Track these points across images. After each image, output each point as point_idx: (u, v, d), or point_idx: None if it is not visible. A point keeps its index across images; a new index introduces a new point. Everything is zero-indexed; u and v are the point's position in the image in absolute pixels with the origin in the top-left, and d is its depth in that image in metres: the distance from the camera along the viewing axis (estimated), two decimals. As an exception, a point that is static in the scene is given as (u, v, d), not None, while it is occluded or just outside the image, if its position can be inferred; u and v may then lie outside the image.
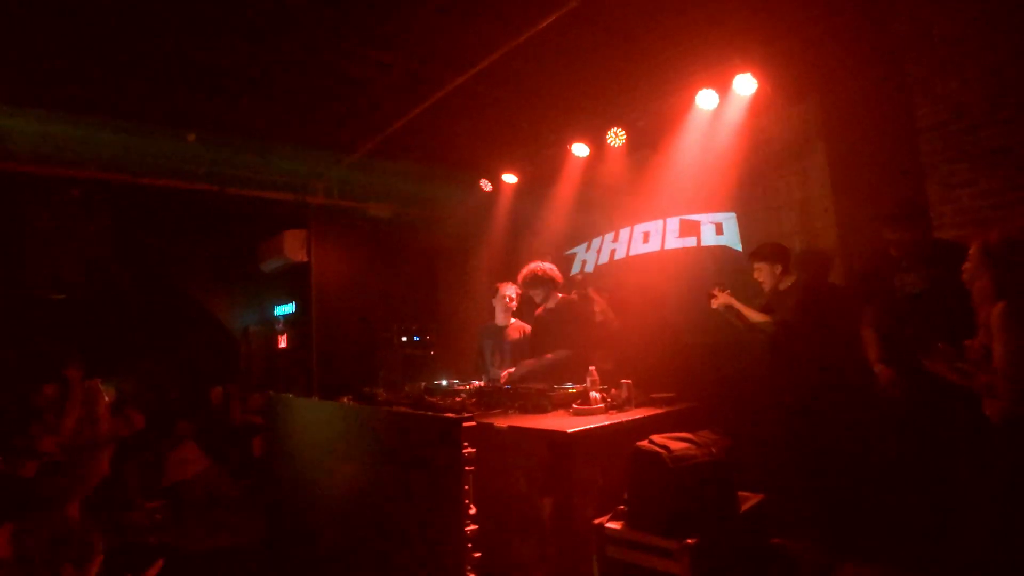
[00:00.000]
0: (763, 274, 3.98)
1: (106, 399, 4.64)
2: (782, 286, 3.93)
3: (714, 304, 4.07)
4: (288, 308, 8.46)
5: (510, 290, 4.74)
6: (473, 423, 2.43)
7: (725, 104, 4.45)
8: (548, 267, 4.52)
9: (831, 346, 3.67)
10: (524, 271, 4.53)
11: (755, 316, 3.92)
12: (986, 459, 2.59)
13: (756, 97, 4.34)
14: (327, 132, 5.67)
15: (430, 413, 2.65)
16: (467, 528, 2.32)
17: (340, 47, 4.41)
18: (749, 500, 2.94)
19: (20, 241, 6.36)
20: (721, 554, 2.59)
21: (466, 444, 2.35)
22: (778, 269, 3.93)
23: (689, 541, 2.43)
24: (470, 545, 2.32)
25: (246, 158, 6.04)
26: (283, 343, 8.54)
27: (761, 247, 4.03)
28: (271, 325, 8.85)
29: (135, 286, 7.48)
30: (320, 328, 7.61)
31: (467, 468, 2.34)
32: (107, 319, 7.20)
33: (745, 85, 4.25)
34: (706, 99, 4.47)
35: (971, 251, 2.60)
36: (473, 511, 2.35)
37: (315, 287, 7.63)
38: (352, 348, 7.59)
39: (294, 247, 7.59)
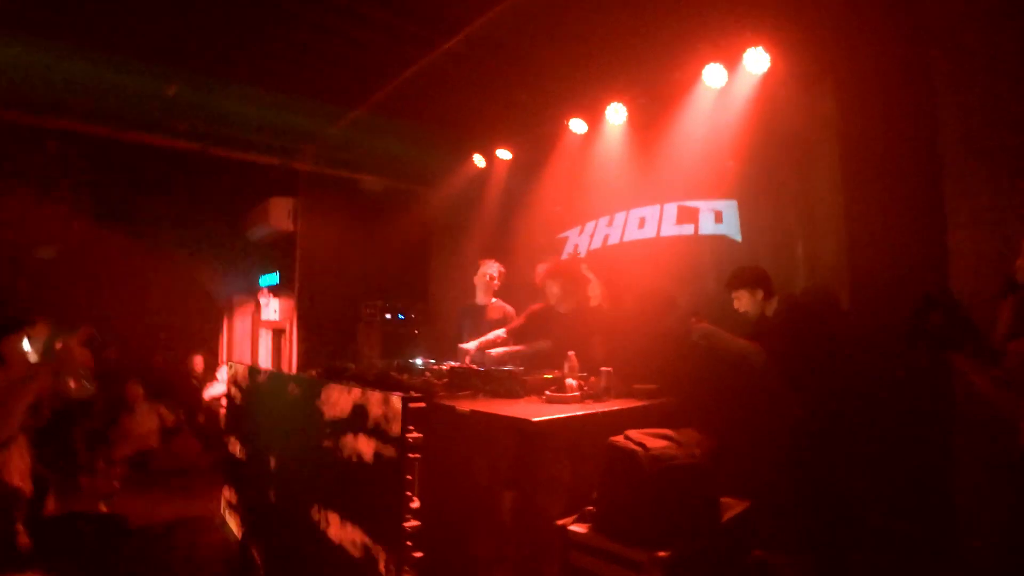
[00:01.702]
0: (743, 302, 3.47)
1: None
2: (768, 311, 3.47)
3: (694, 336, 3.54)
4: (272, 279, 8.13)
5: (492, 268, 4.42)
6: (422, 404, 2.09)
7: (733, 82, 4.09)
8: (561, 265, 4.18)
9: (826, 372, 3.28)
10: (558, 265, 4.16)
11: (742, 345, 3.46)
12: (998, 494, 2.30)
13: (767, 77, 3.97)
14: (317, 90, 5.28)
15: (378, 391, 2.31)
16: (406, 524, 1.99)
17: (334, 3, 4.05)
18: (732, 508, 2.62)
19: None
20: (696, 567, 2.27)
21: (411, 428, 2.01)
22: (759, 295, 3.43)
23: (661, 554, 2.11)
24: (409, 543, 1.99)
25: (231, 114, 5.64)
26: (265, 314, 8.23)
27: (738, 272, 3.53)
28: (255, 295, 8.53)
29: (115, 247, 7.13)
30: (303, 300, 7.29)
31: (410, 455, 2.00)
32: (82, 279, 6.87)
33: (756, 61, 3.89)
34: (713, 75, 4.10)
35: None
36: (416, 504, 2.01)
37: (300, 258, 7.30)
38: (335, 322, 7.27)
39: (280, 215, 7.26)
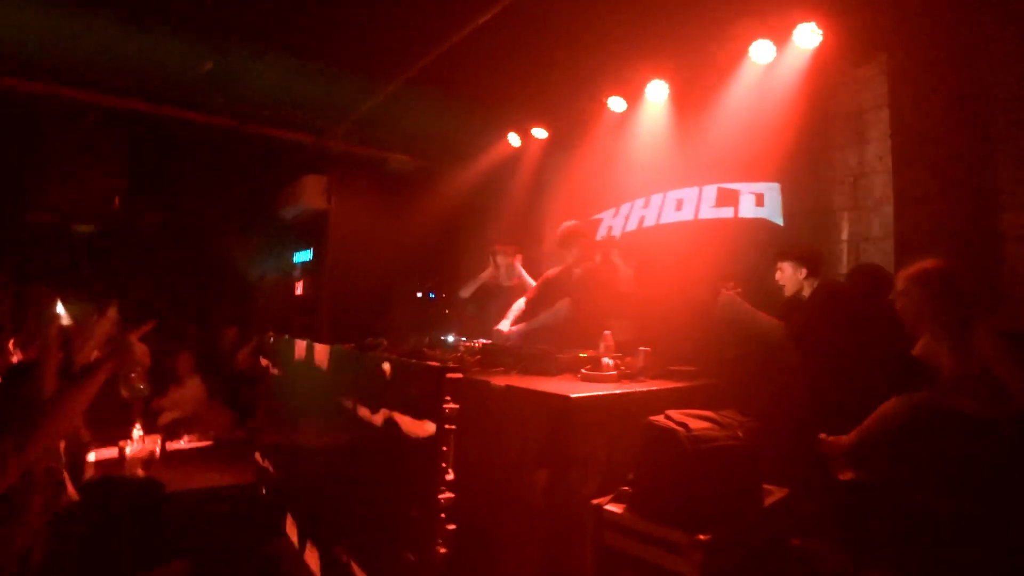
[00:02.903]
0: (785, 275, 3.36)
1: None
2: (805, 292, 3.35)
3: (720, 300, 3.50)
4: (306, 255, 8.16)
5: (509, 258, 4.57)
6: (459, 375, 2.02)
7: (781, 59, 3.92)
8: (583, 226, 4.17)
9: (860, 359, 3.10)
10: (561, 229, 4.12)
11: (763, 320, 3.37)
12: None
13: (817, 53, 3.79)
14: (351, 65, 5.20)
15: (414, 361, 2.25)
16: (441, 496, 1.92)
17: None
18: (772, 494, 2.50)
19: (36, 164, 6.11)
20: (736, 553, 2.17)
21: (448, 399, 1.94)
22: (802, 273, 3.30)
23: (702, 537, 2.02)
24: (443, 515, 1.93)
25: (266, 90, 5.60)
26: (299, 290, 8.27)
27: (791, 247, 3.44)
28: (288, 272, 8.57)
29: (150, 221, 7.21)
30: (335, 277, 7.30)
31: (447, 427, 1.93)
32: (119, 252, 6.96)
33: (807, 37, 3.71)
34: (761, 51, 3.93)
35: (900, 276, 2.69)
36: (451, 476, 1.94)
37: (332, 235, 7.30)
38: (366, 300, 7.25)
39: (314, 193, 7.24)
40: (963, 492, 2.62)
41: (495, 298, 4.60)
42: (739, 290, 3.49)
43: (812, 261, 3.33)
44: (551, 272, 4.20)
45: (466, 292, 4.88)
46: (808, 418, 3.17)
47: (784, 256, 3.39)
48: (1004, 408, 2.36)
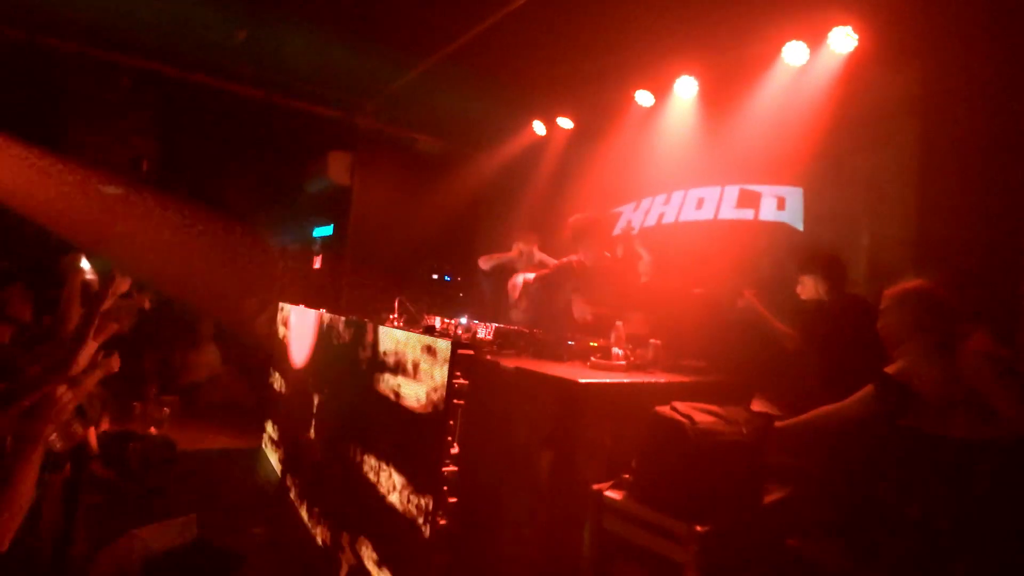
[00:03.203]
0: (807, 288, 3.29)
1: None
2: (825, 299, 3.28)
3: (740, 303, 3.50)
4: (326, 230, 8.21)
5: (531, 246, 4.62)
6: (470, 351, 2.04)
7: (814, 61, 3.87)
8: (595, 219, 4.14)
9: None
10: (573, 222, 4.10)
11: (778, 327, 3.36)
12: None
13: (851, 57, 3.74)
14: (383, 43, 5.20)
15: (426, 334, 2.28)
16: (445, 469, 1.96)
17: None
18: (773, 493, 2.52)
19: (67, 122, 6.19)
20: (732, 546, 2.19)
21: (458, 374, 1.97)
22: (823, 287, 3.24)
23: (699, 528, 2.04)
24: (446, 488, 1.96)
25: (296, 62, 5.63)
26: (317, 264, 8.34)
27: (813, 258, 3.34)
28: (308, 245, 8.64)
29: (177, 189, 7.28)
30: (355, 254, 7.35)
31: (455, 401, 1.96)
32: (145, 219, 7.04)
33: (842, 41, 3.66)
34: (794, 53, 3.89)
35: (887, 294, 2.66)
36: (455, 451, 1.98)
37: (354, 212, 7.34)
38: (383, 277, 7.31)
39: (338, 169, 7.29)
40: (961, 509, 2.62)
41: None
42: (757, 296, 3.47)
43: (834, 273, 3.26)
44: (571, 260, 4.18)
45: (486, 264, 4.93)
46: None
47: (805, 270, 3.31)
48: (995, 432, 2.30)
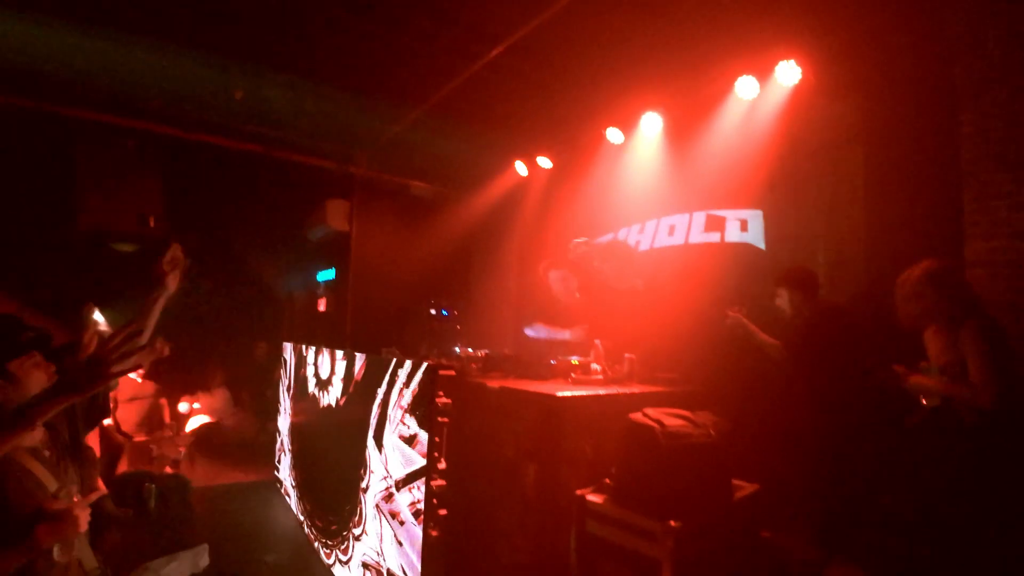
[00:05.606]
0: (783, 300, 3.42)
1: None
2: (803, 313, 3.41)
3: (727, 322, 3.60)
4: (329, 274, 8.36)
5: (563, 269, 4.44)
6: (451, 372, 2.14)
7: (764, 94, 4.06)
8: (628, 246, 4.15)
9: (841, 379, 3.16)
10: (604, 243, 4.14)
11: (764, 340, 3.48)
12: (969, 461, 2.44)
13: (796, 91, 3.93)
14: (370, 98, 5.42)
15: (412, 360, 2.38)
16: (433, 483, 2.04)
17: (389, 15, 4.18)
18: (743, 489, 2.59)
19: (77, 186, 6.34)
20: (706, 541, 2.25)
21: (441, 393, 2.07)
22: (798, 297, 3.37)
23: (673, 524, 2.11)
24: (435, 501, 2.04)
25: (293, 118, 5.85)
26: (322, 307, 8.45)
27: (788, 272, 3.48)
28: (313, 289, 8.77)
29: (185, 245, 7.40)
30: (356, 294, 7.48)
31: (440, 419, 2.06)
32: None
33: (788, 74, 3.85)
34: (746, 87, 4.08)
35: (912, 278, 2.62)
36: (443, 466, 2.06)
37: (354, 255, 7.49)
38: (384, 316, 7.42)
39: (337, 216, 7.46)
40: (929, 496, 2.68)
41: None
42: (744, 312, 3.58)
43: (806, 285, 3.39)
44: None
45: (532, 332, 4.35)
46: (798, 421, 3.25)
47: (779, 283, 3.44)
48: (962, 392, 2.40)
